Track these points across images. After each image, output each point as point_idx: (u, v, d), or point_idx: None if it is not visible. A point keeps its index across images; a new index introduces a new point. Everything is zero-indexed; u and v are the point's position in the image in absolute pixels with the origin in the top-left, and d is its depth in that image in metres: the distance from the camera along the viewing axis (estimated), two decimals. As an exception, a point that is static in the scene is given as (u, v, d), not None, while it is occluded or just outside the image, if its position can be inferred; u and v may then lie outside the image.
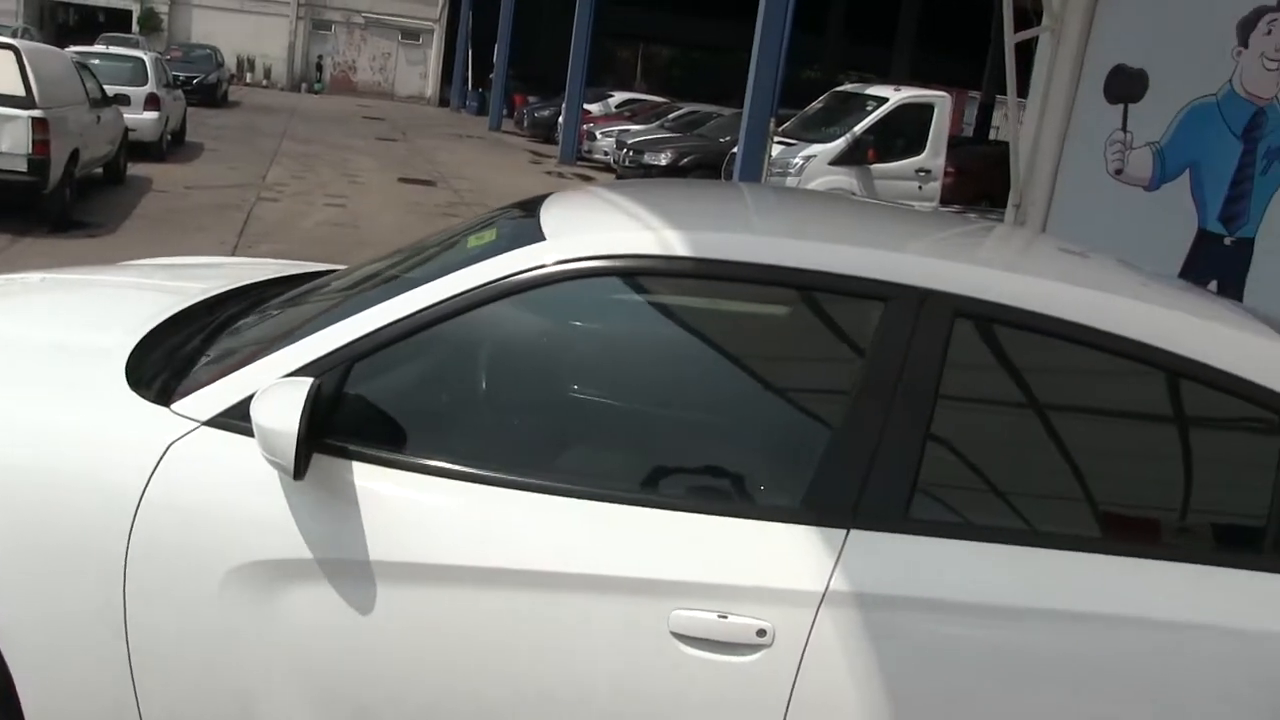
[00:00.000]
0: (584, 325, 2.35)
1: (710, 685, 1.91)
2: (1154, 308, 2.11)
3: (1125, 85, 6.86)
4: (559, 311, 2.25)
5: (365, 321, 2.03)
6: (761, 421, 2.15)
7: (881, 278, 2.02)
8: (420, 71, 38.27)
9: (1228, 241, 6.24)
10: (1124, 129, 6.95)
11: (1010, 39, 7.40)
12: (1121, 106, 6.90)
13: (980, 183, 14.03)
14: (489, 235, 2.44)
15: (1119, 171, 6.95)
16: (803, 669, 1.89)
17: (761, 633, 1.88)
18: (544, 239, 2.13)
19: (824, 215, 2.74)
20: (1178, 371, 1.99)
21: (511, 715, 1.96)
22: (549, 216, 2.30)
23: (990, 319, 2.02)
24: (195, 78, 22.35)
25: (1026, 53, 7.52)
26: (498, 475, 1.99)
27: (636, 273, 2.12)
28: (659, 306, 2.27)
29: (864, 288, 2.02)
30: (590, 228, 2.24)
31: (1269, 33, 5.97)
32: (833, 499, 1.93)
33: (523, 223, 2.35)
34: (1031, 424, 2.10)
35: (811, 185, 11.97)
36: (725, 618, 1.88)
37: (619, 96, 25.18)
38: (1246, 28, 6.09)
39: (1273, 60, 5.97)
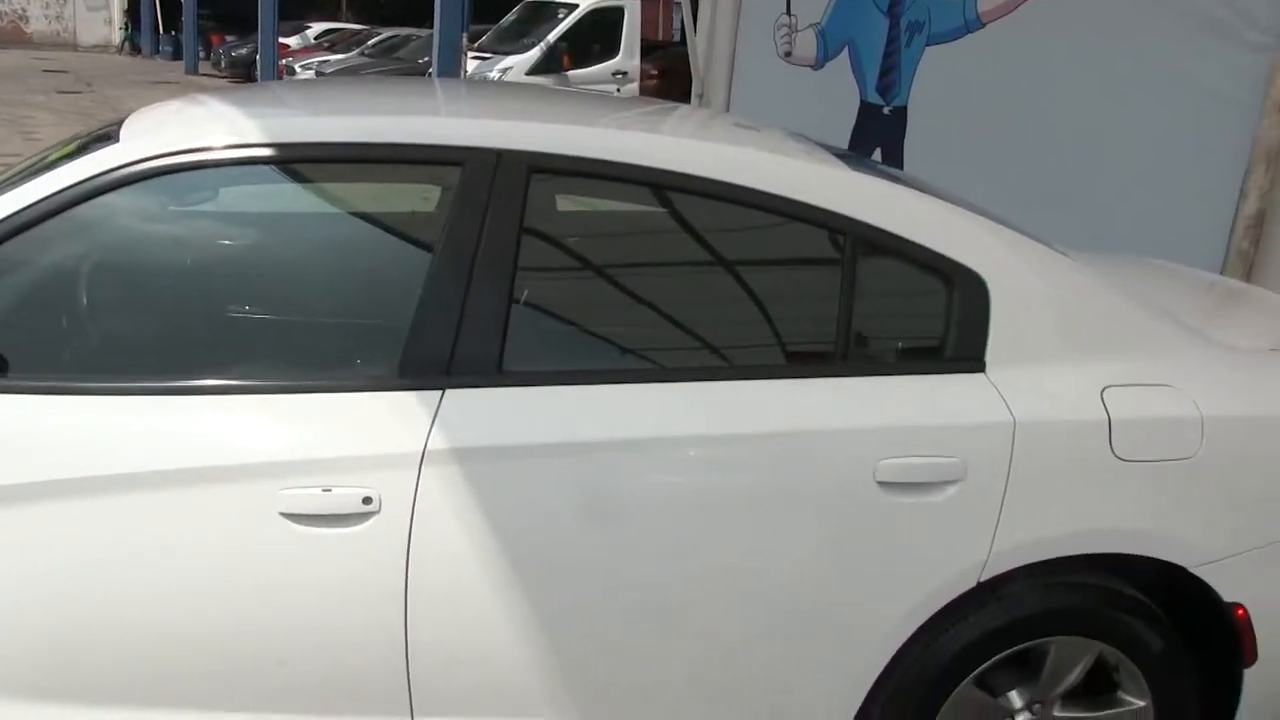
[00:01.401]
0: (170, 225, 2.29)
1: (328, 560, 1.94)
2: (724, 145, 2.24)
3: (784, -31, 7.14)
4: (142, 212, 2.18)
5: None
6: (353, 297, 2.17)
7: (455, 143, 2.07)
8: (104, 17, 35.37)
9: (886, 111, 6.65)
10: (788, 12, 7.25)
11: (674, -68, 7.55)
12: (785, -10, 7.19)
13: (686, 82, 14.31)
14: (71, 147, 2.34)
15: (788, 54, 7.27)
16: (415, 530, 1.94)
17: (367, 500, 1.92)
18: (118, 142, 2.09)
19: (434, 93, 2.75)
20: (749, 203, 2.12)
21: (144, 620, 1.95)
22: (131, 122, 2.25)
23: (566, 172, 2.10)
24: None
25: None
26: (96, 385, 1.97)
27: (215, 164, 2.09)
28: (246, 195, 2.25)
29: (440, 154, 2.08)
30: (165, 128, 2.19)
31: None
32: (426, 362, 1.98)
33: (107, 131, 2.28)
34: (619, 268, 2.21)
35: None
36: (329, 490, 1.91)
37: (318, 27, 24.21)
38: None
39: (903, -62, 6.36)
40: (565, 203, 2.17)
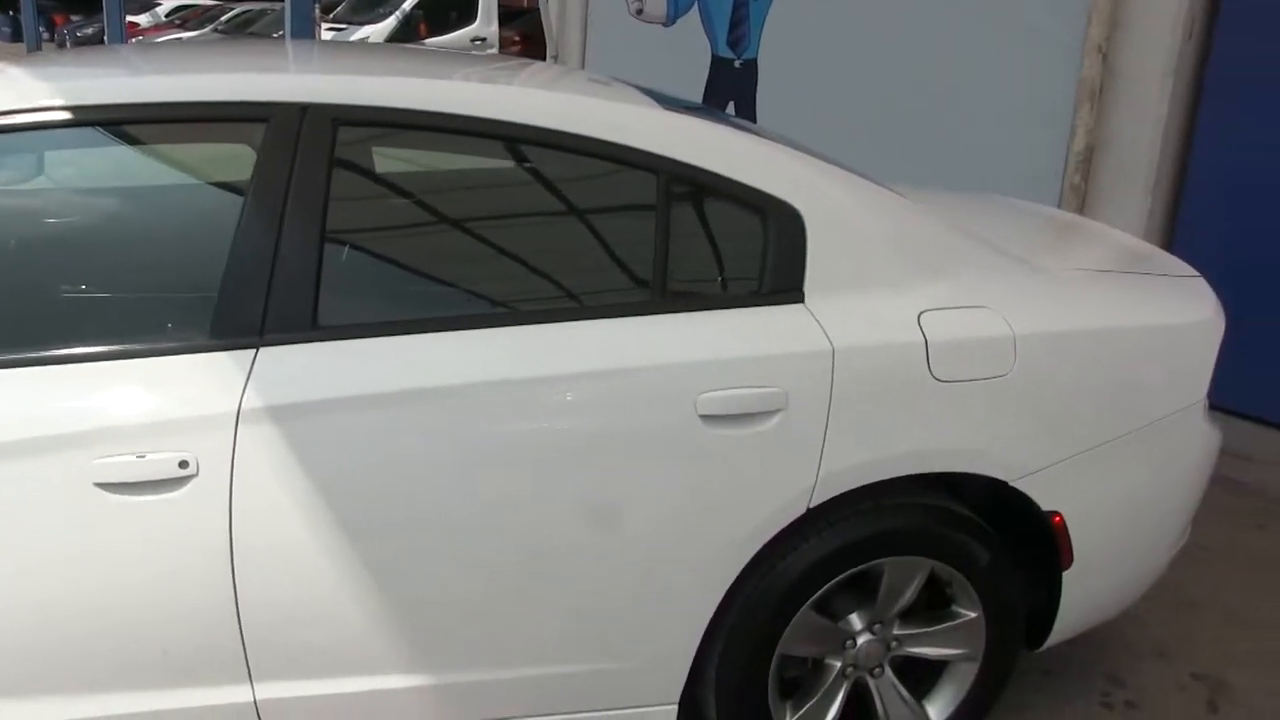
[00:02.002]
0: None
1: (149, 529, 1.90)
2: (531, 90, 2.23)
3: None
4: None
5: None
6: (163, 260, 2.11)
7: (258, 99, 2.02)
8: (-65, 0, 33.52)
9: (737, 64, 6.70)
10: (638, -30, 7.25)
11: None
12: (633, -52, 7.17)
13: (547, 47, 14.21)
14: None
15: (639, 12, 7.26)
16: (236, 492, 1.91)
17: (184, 464, 1.88)
18: None
19: (247, 52, 2.67)
20: (559, 146, 2.12)
21: None
22: None
23: (374, 123, 2.07)
24: None
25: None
26: None
27: (11, 129, 2.01)
28: (50, 161, 2.17)
29: (243, 111, 2.02)
30: None
31: None
32: (238, 321, 1.95)
33: None
34: (433, 218, 2.19)
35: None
36: (143, 457, 1.86)
37: (169, 4, 23.30)
38: None
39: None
40: (382, 155, 2.14)
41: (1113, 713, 2.87)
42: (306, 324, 1.96)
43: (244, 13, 18.99)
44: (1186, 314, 2.51)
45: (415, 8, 12.40)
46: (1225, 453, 4.45)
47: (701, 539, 2.13)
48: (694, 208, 2.17)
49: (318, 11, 10.82)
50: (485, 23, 12.87)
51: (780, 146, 2.31)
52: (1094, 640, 3.17)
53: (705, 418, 2.07)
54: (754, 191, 2.16)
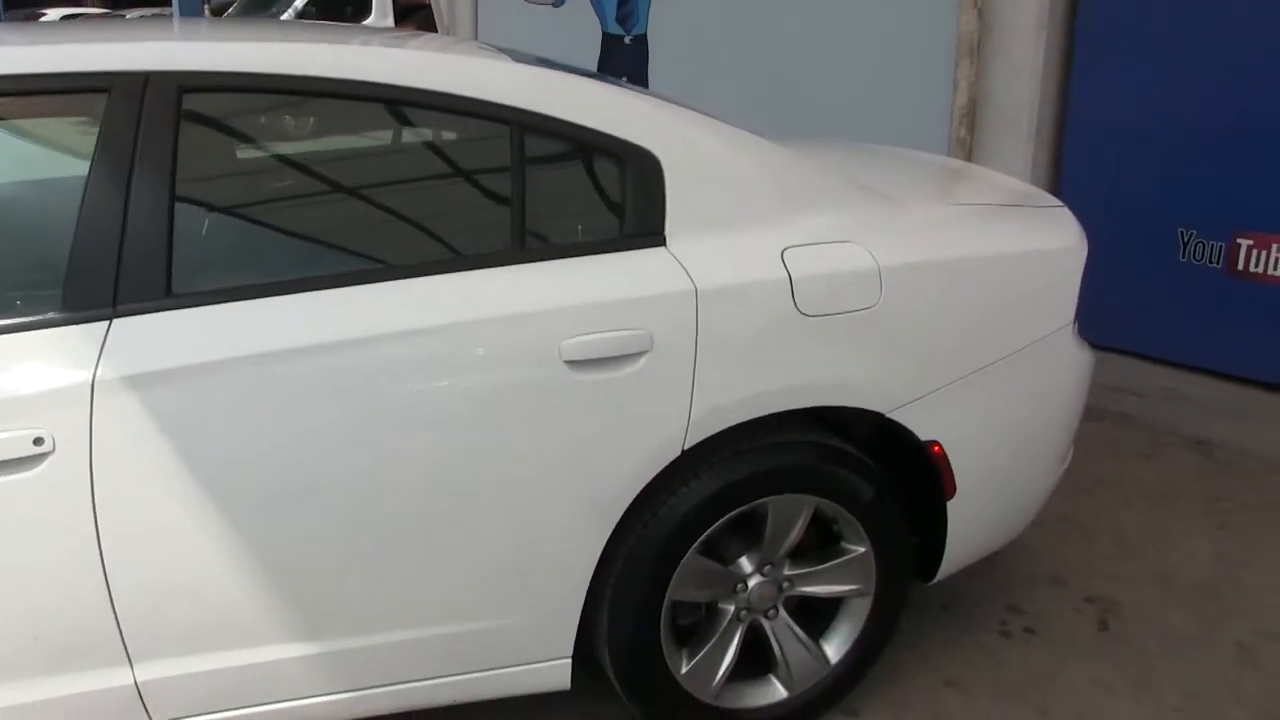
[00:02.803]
0: None
1: (8, 511, 1.85)
2: (381, 48, 2.20)
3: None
4: None
5: None
6: (11, 236, 2.06)
7: (100, 69, 1.98)
8: None
9: (627, 41, 6.71)
10: (525, -48, 7.21)
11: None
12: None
13: (447, 41, 14.11)
14: None
15: (529, -7, 7.24)
16: (96, 466, 1.86)
17: (39, 440, 1.83)
18: None
19: (100, 28, 2.60)
20: (411, 102, 2.10)
21: None
22: None
23: (220, 88, 2.03)
24: None
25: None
26: None
27: None
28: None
29: (85, 81, 1.98)
30: None
31: None
32: (89, 294, 1.90)
33: None
34: (288, 180, 2.16)
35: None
36: (-6, 437, 1.82)
37: (55, 13, 22.65)
38: None
39: None
40: (232, 120, 2.10)
41: (1011, 640, 2.93)
42: (160, 293, 1.92)
43: (138, 18, 18.52)
44: (1048, 241, 2.57)
45: (308, 5, 12.20)
46: (1115, 389, 4.60)
47: (579, 486, 2.12)
48: (549, 157, 2.16)
49: (207, 11, 10.62)
50: (380, 16, 12.71)
51: (635, 93, 2.31)
52: (991, 572, 3.24)
53: (571, 363, 2.06)
54: (608, 138, 2.16)
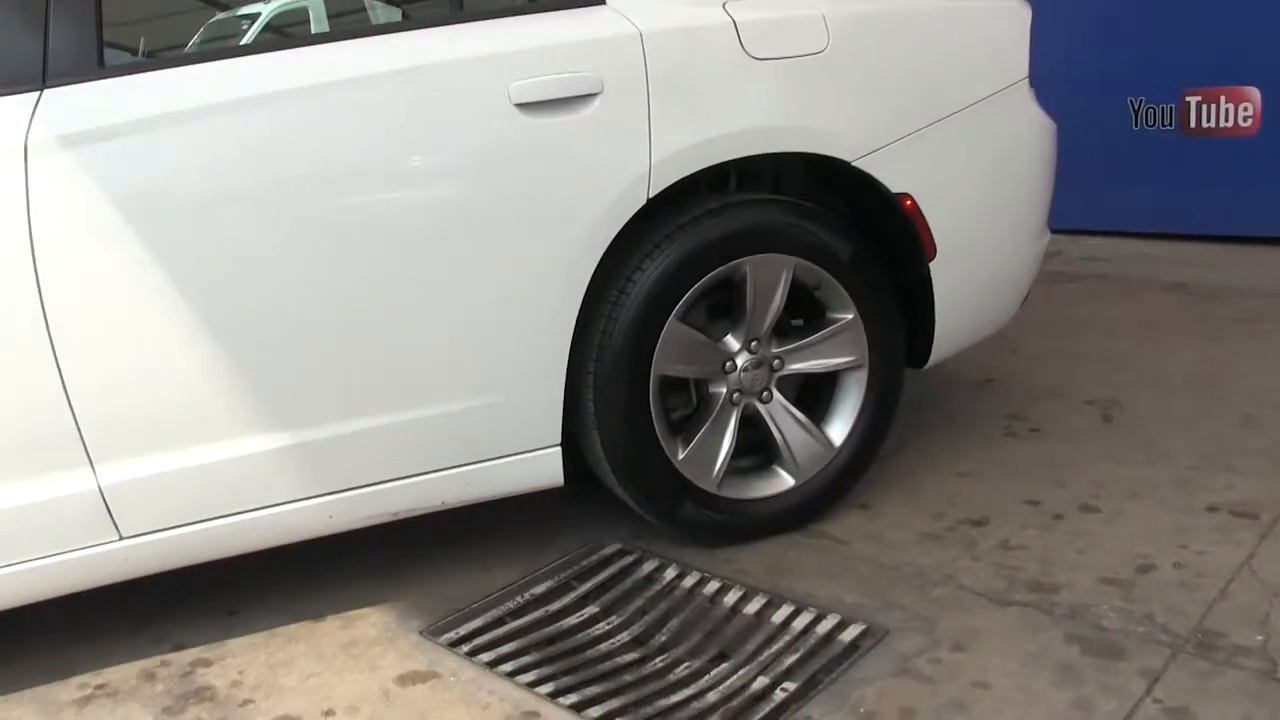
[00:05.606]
0: None
1: None
2: None
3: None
4: None
5: None
6: None
7: None
8: None
9: None
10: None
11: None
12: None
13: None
14: None
15: None
16: (34, 227, 1.79)
17: (-29, 204, 1.75)
18: None
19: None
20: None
21: None
22: None
23: None
24: None
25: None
26: None
27: None
28: None
29: None
30: None
31: None
32: (19, 68, 1.84)
33: None
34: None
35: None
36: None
37: None
38: None
39: None
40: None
41: (1018, 439, 2.86)
42: (92, 67, 1.86)
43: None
44: (993, -4, 2.55)
45: None
46: (1092, 259, 4.58)
47: (546, 237, 2.06)
48: None
49: None
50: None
51: None
52: (987, 392, 3.18)
53: (521, 106, 2.01)
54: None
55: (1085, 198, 4.76)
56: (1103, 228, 4.84)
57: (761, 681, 1.90)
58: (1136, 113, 4.70)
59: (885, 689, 1.85)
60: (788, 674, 1.92)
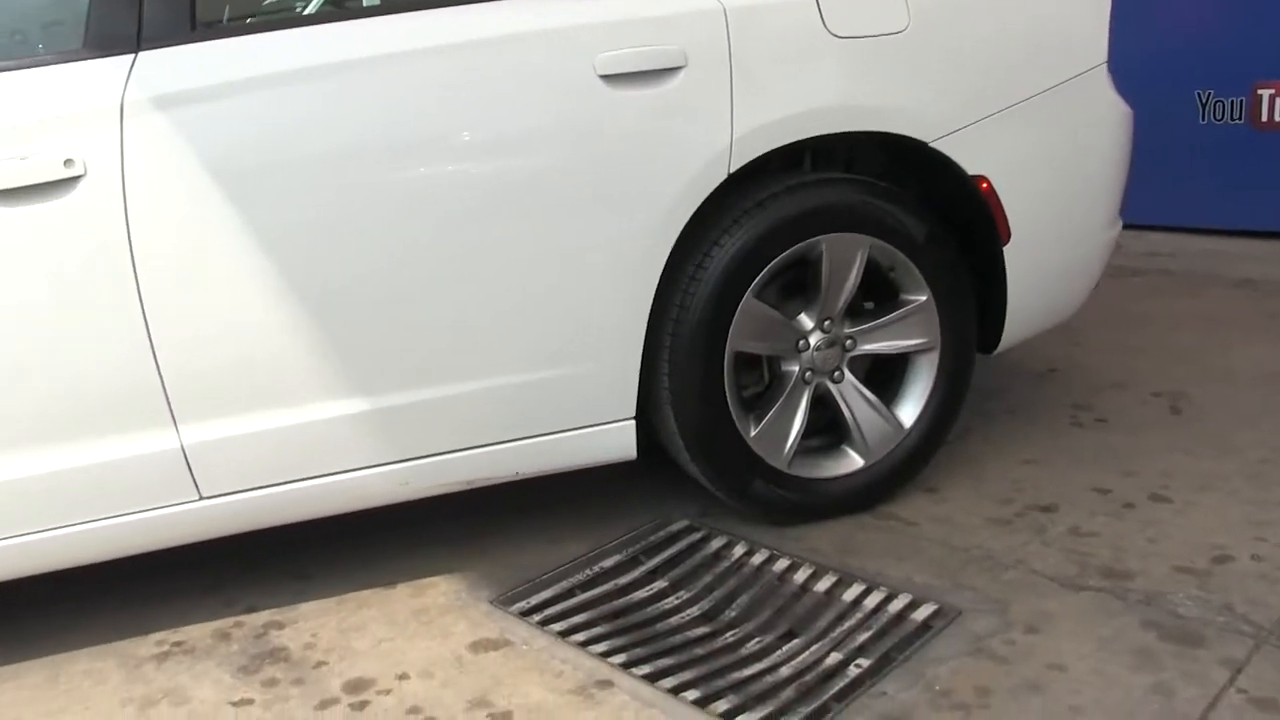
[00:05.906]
0: None
1: (43, 236, 1.80)
2: None
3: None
4: None
5: None
6: None
7: None
8: None
9: None
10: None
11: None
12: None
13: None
14: None
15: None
16: (129, 184, 1.82)
17: (69, 162, 1.78)
18: None
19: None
20: None
21: None
22: None
23: None
24: None
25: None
26: None
27: None
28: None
29: None
30: None
31: None
32: (115, 31, 1.86)
33: None
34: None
35: None
36: (26, 159, 1.77)
37: None
38: None
39: None
40: None
41: (1084, 429, 2.83)
42: (186, 30, 1.89)
43: None
44: (1074, -22, 2.53)
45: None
46: (1152, 254, 4.52)
47: (627, 209, 2.06)
48: None
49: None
50: None
51: None
52: (1050, 383, 3.16)
53: (606, 78, 2.02)
54: None
55: (1149, 192, 4.68)
56: (1166, 223, 4.77)
57: (834, 658, 1.90)
58: (1205, 106, 4.62)
59: (959, 668, 1.85)
60: (860, 651, 1.92)
